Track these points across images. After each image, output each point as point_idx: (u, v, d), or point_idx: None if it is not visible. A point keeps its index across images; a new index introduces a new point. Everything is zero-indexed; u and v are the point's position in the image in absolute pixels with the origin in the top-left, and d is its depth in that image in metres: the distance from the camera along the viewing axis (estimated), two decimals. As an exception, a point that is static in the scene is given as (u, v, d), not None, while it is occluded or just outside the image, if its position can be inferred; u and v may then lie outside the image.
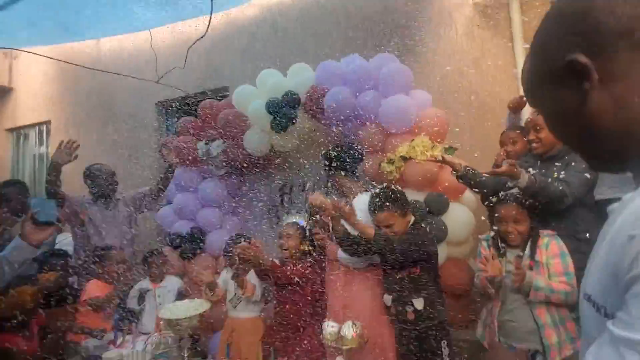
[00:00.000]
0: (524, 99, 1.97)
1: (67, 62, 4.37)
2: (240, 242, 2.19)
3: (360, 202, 1.98)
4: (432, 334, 1.78)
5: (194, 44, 3.05)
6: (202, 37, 2.94)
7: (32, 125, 5.35)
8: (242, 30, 4.05)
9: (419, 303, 1.79)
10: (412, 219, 1.92)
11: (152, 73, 4.03)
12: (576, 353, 1.53)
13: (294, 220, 2.25)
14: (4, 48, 4.66)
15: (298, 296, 2.00)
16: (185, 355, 1.80)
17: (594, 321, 0.49)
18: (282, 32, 3.82)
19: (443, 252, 2.34)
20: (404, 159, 2.33)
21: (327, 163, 2.16)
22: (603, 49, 0.44)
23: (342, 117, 2.50)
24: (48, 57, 4.42)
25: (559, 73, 0.47)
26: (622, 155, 0.49)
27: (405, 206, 1.89)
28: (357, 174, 2.21)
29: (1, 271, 1.36)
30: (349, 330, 1.50)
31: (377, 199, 1.85)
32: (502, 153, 2.12)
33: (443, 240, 2.30)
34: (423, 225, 2.00)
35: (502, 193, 1.80)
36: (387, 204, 1.83)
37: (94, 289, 2.22)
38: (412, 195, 2.31)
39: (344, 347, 1.49)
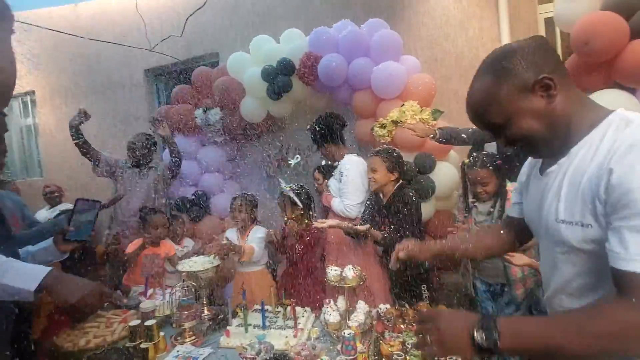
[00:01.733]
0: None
1: (48, 29, 4.21)
2: (243, 199, 2.42)
3: (347, 162, 2.25)
4: (414, 279, 2.07)
5: (193, 13, 3.01)
6: (201, 7, 2.91)
7: (15, 97, 5.19)
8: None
9: (402, 255, 2.07)
10: (400, 181, 2.13)
11: (138, 39, 3.95)
12: (537, 284, 1.86)
13: (282, 189, 2.36)
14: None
15: (301, 254, 2.25)
16: (205, 301, 2.06)
17: (570, 232, 0.76)
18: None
19: (432, 206, 2.62)
20: (395, 123, 2.50)
21: (312, 135, 2.36)
22: (555, 72, 0.75)
23: (335, 84, 2.61)
24: (24, 23, 4.24)
25: (531, 86, 0.75)
26: (566, 139, 0.77)
27: (394, 161, 2.09)
28: (342, 140, 2.37)
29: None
30: (349, 272, 1.76)
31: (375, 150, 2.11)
32: None
33: (432, 195, 2.56)
34: (409, 186, 2.22)
35: (470, 158, 1.99)
36: (380, 152, 2.08)
37: (132, 247, 2.43)
38: (403, 157, 2.53)
39: (346, 286, 1.75)
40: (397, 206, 2.06)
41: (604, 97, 1.88)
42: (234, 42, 3.66)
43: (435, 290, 2.16)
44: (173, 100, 3.32)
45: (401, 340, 1.52)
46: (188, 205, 3.01)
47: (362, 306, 1.81)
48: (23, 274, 1.15)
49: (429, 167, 2.54)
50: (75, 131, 2.59)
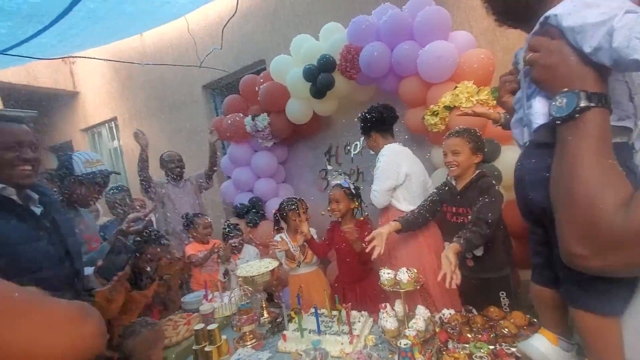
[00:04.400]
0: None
1: (119, 61, 4.77)
2: (290, 203, 2.46)
3: (384, 150, 2.17)
4: (491, 284, 1.83)
5: (227, 23, 3.13)
6: (233, 15, 3.00)
7: (102, 123, 5.99)
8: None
9: (478, 251, 1.84)
10: (479, 168, 1.92)
11: (194, 58, 4.24)
12: None
13: (338, 182, 2.36)
14: (68, 56, 5.14)
15: (353, 254, 2.18)
16: (263, 304, 2.10)
17: None
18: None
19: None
20: (448, 108, 2.27)
21: (361, 124, 2.30)
22: None
23: (379, 75, 2.47)
24: (101, 59, 4.85)
25: None
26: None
27: (478, 143, 1.89)
28: (389, 131, 2.28)
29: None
30: (403, 275, 1.63)
31: (454, 130, 1.92)
32: None
33: (498, 188, 2.27)
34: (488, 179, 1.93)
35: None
36: (462, 132, 1.88)
37: (191, 249, 2.70)
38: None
39: (401, 291, 1.63)
40: (475, 193, 1.82)
41: None
42: (278, 46, 3.71)
43: (514, 295, 1.88)
44: (225, 110, 3.49)
45: (467, 352, 1.36)
46: (245, 211, 3.14)
47: (421, 312, 1.67)
48: None
49: (493, 154, 2.25)
50: (140, 159, 2.90)
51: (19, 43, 2.54)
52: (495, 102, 2.21)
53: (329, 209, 2.34)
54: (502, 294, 1.80)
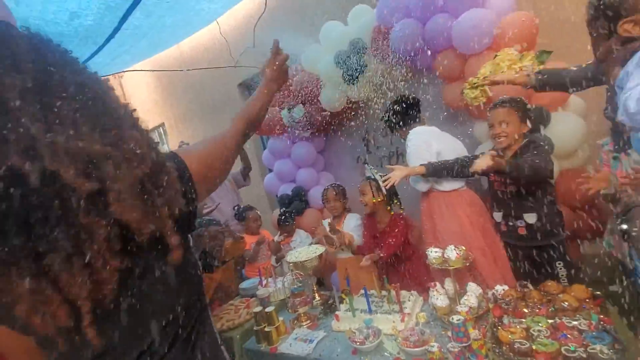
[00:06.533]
0: None
1: (161, 70, 5.10)
2: (333, 189, 2.55)
3: (410, 135, 2.22)
4: (546, 253, 1.77)
5: (257, 22, 3.20)
6: (263, 13, 3.07)
7: (153, 130, 6.47)
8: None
9: (530, 217, 1.78)
10: (528, 136, 1.86)
11: (227, 59, 4.40)
12: None
13: (368, 175, 2.37)
14: (117, 72, 5.60)
15: (395, 238, 2.19)
16: (314, 288, 2.21)
17: None
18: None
19: (555, 166, 2.19)
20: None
21: (386, 122, 2.41)
22: None
23: (412, 53, 2.41)
24: (146, 70, 5.21)
25: None
26: None
27: (525, 111, 1.84)
28: (414, 119, 2.31)
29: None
30: (451, 253, 1.63)
31: (499, 100, 1.88)
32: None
33: (551, 154, 2.14)
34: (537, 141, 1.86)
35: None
36: (509, 101, 1.84)
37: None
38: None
39: (450, 268, 1.63)
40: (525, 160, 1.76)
41: None
42: (307, 36, 3.73)
43: (573, 267, 1.78)
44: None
45: (524, 326, 1.34)
46: (289, 201, 3.26)
47: (473, 288, 1.67)
48: None
49: (542, 121, 2.12)
50: None
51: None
52: (541, 66, 2.06)
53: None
54: (559, 264, 1.72)
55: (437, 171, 2.04)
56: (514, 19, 2.13)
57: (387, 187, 2.04)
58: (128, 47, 2.77)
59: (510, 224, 1.86)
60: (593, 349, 1.11)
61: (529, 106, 1.90)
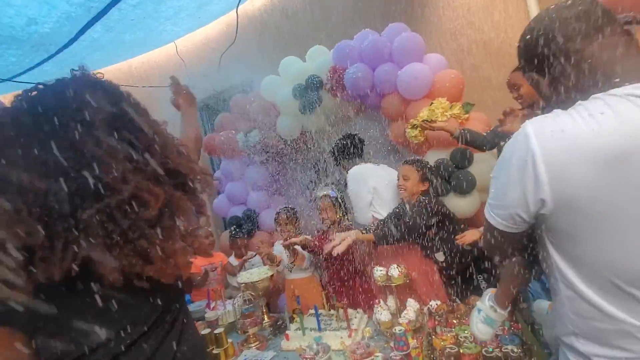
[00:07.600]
0: None
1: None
2: (286, 212, 2.64)
3: (350, 175, 2.46)
4: (468, 271, 2.06)
5: (226, 50, 3.31)
6: (233, 43, 3.20)
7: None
8: (253, 20, 4.23)
9: (439, 256, 2.11)
10: (424, 188, 2.20)
11: (181, 78, 4.37)
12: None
13: (325, 193, 2.53)
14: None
15: (341, 260, 2.34)
16: (264, 310, 2.23)
17: None
18: (292, 16, 3.97)
19: (476, 199, 2.58)
20: (426, 122, 2.52)
21: (332, 155, 2.67)
22: None
23: (363, 93, 2.71)
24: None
25: None
26: None
27: (425, 172, 2.20)
28: (357, 156, 2.59)
29: None
30: (394, 271, 1.82)
31: (410, 159, 2.24)
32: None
33: (473, 189, 2.52)
34: (427, 196, 2.19)
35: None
36: (413, 161, 2.20)
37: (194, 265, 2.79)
38: (440, 154, 2.54)
39: (393, 285, 1.81)
40: (418, 214, 2.07)
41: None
42: (265, 66, 3.91)
43: (493, 278, 2.10)
44: (217, 128, 3.63)
45: (454, 334, 1.55)
46: (241, 223, 3.26)
47: (412, 304, 1.85)
48: None
49: (466, 161, 2.51)
50: None
51: (25, 71, 2.65)
52: (466, 115, 2.49)
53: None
54: (480, 277, 2.02)
55: (383, 237, 2.08)
56: (445, 75, 2.56)
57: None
58: (80, 58, 2.66)
59: (429, 259, 2.18)
60: (506, 348, 1.34)
61: (430, 168, 2.27)
